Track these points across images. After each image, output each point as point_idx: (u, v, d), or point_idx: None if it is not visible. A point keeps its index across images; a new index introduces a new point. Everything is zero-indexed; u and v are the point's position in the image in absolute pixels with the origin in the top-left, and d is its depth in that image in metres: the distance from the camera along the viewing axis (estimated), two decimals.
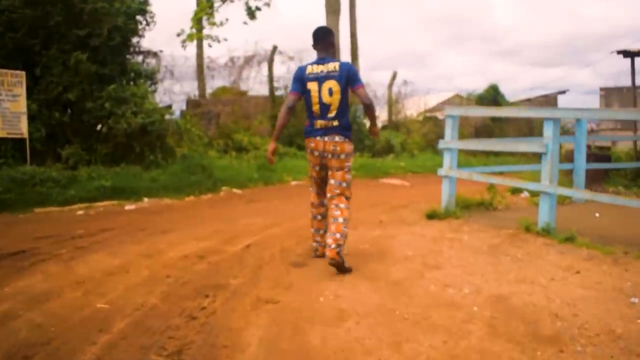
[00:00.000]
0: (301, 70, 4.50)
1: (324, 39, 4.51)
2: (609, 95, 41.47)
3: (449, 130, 6.46)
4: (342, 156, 4.45)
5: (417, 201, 8.34)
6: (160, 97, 12.69)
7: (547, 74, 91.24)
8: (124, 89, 10.10)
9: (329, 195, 4.53)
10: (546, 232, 5.36)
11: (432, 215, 6.47)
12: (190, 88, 13.95)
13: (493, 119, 17.83)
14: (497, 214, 6.75)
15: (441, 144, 6.52)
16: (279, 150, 12.62)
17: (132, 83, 10.66)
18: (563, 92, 25.74)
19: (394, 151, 15.32)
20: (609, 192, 9.58)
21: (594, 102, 39.40)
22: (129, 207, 8.25)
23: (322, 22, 16.41)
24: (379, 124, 17.05)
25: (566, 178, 8.70)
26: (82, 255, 5.15)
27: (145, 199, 8.73)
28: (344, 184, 4.48)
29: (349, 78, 4.36)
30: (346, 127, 4.48)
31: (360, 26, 16.77)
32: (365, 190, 10.27)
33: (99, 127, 10.05)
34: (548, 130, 5.34)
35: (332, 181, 4.49)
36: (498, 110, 6.54)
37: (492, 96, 18.52)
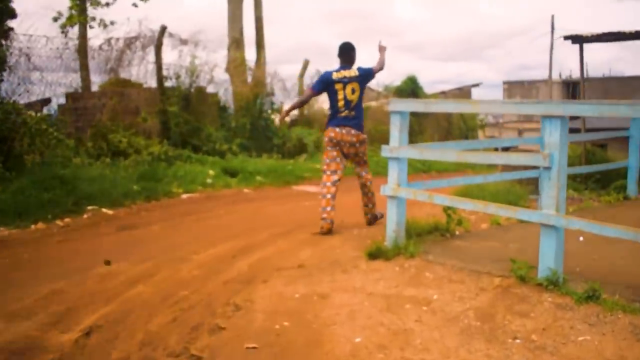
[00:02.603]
0: (328, 74, 5.69)
1: (348, 53, 5.71)
2: (512, 88, 42.23)
3: (397, 132, 4.56)
4: (357, 144, 5.68)
5: (346, 222, 6.40)
6: (13, 88, 9.90)
7: (449, 69, 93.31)
8: None
9: (359, 176, 5.90)
10: (553, 283, 3.59)
11: (375, 254, 4.54)
12: (56, 77, 11.21)
13: (411, 113, 16.34)
14: (461, 245, 4.94)
15: (385, 151, 4.62)
16: (169, 152, 10.33)
17: None
18: (477, 85, 25.11)
19: (307, 151, 13.37)
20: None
21: (497, 95, 39.80)
22: None
23: (224, 5, 14.17)
24: (288, 118, 15.10)
25: (527, 187, 7.19)
26: None
27: None
28: (366, 166, 5.88)
29: (366, 77, 5.71)
30: (360, 119, 5.72)
31: (265, 16, 14.70)
32: (275, 204, 8.26)
33: None
34: (552, 134, 3.55)
35: (358, 168, 5.86)
36: (473, 106, 4.70)
37: (411, 88, 17.06)
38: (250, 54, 14.55)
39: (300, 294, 3.81)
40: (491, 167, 8.82)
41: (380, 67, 5.80)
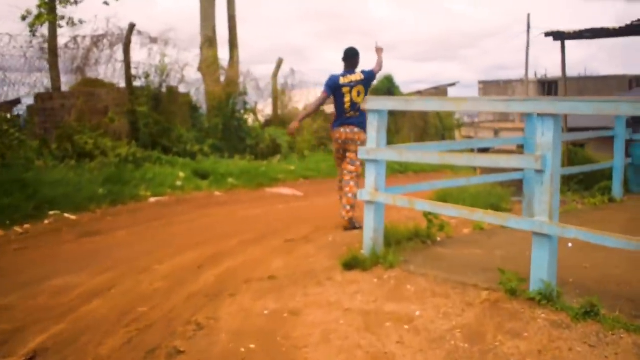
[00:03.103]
0: (335, 79, 5.99)
1: (353, 58, 6.07)
2: (487, 88, 42.31)
3: (374, 133, 4.24)
4: (359, 143, 5.77)
5: (322, 226, 6.11)
6: None
7: (424, 69, 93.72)
8: None
9: (345, 171, 5.99)
10: (546, 298, 3.30)
11: (352, 264, 4.21)
12: (20, 76, 10.64)
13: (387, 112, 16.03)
14: (443, 252, 4.65)
15: (363, 153, 4.29)
16: (137, 154, 9.86)
17: None
18: (453, 84, 24.97)
19: (281, 152, 12.97)
20: None
21: (473, 95, 39.96)
22: None
23: (196, 4, 13.72)
24: (262, 118, 14.72)
25: (509, 189, 6.92)
26: None
27: None
28: (357, 162, 5.80)
29: (370, 79, 6.11)
30: (364, 118, 5.38)
31: (239, 16, 14.27)
32: (248, 208, 7.87)
33: None
34: (545, 134, 3.27)
35: (348, 160, 5.95)
36: (458, 103, 4.36)
37: (387, 87, 16.75)
38: (223, 54, 14.13)
39: (269, 310, 3.47)
40: (470, 168, 8.56)
41: (380, 68, 6.28)
